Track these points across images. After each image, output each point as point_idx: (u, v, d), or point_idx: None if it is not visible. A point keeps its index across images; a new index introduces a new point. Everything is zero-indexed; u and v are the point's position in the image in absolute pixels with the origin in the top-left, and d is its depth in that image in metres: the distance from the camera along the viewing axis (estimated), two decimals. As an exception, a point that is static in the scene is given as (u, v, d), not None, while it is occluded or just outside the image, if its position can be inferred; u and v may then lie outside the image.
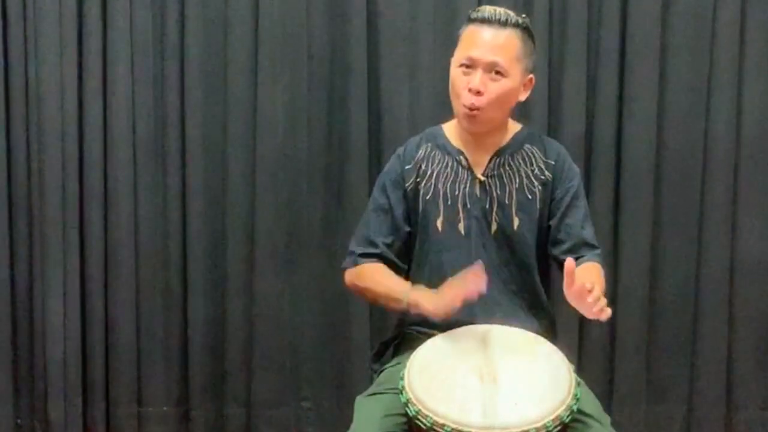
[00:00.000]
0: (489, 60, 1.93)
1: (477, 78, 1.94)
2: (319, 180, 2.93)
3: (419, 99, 2.88)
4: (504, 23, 1.94)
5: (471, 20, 1.98)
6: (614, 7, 2.83)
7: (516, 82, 1.97)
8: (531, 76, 2.03)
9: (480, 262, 1.87)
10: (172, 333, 3.00)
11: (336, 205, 2.93)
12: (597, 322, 1.77)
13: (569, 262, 1.72)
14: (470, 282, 1.80)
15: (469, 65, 1.95)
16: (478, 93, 1.93)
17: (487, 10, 1.96)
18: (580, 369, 1.89)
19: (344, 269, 2.11)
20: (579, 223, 2.04)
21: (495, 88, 1.94)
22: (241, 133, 2.91)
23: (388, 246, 2.06)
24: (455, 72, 1.98)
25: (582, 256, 2.00)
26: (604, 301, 1.72)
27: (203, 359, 2.98)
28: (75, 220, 2.90)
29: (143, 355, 2.99)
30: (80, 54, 2.87)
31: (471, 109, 1.95)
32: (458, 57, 1.98)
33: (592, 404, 1.85)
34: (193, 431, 3.00)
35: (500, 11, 1.96)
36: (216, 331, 2.98)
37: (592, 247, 2.04)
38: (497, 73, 1.94)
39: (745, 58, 2.86)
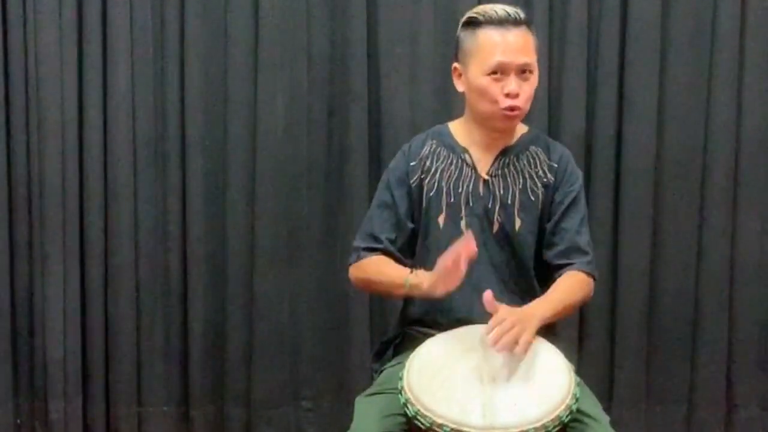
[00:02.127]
0: (521, 62, 1.95)
1: (513, 82, 1.95)
2: (319, 180, 2.93)
3: (419, 99, 2.88)
4: (518, 21, 1.96)
5: (481, 23, 1.97)
6: (614, 7, 2.83)
7: (537, 74, 2.01)
8: None
9: (470, 232, 1.87)
10: (172, 333, 3.00)
11: (336, 205, 2.93)
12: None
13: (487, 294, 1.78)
14: (461, 248, 1.79)
15: (500, 71, 1.95)
16: (516, 96, 1.95)
17: (498, 11, 1.96)
18: (580, 369, 1.88)
19: (349, 265, 2.12)
20: (575, 228, 2.04)
21: (528, 87, 1.98)
22: (241, 133, 2.91)
23: (392, 242, 2.07)
24: (484, 81, 1.96)
25: (572, 263, 2.01)
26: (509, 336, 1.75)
27: (203, 359, 2.98)
28: (75, 220, 2.90)
29: (143, 355, 2.99)
30: (80, 54, 2.87)
31: (512, 110, 1.96)
32: (484, 65, 1.96)
33: (591, 404, 1.85)
34: (193, 431, 3.00)
35: (508, 9, 1.97)
36: (216, 331, 2.98)
37: (584, 253, 2.04)
38: (527, 71, 1.97)
39: (745, 58, 2.85)
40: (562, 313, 1.96)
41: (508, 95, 1.95)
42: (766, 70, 2.86)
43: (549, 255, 2.04)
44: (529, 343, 1.78)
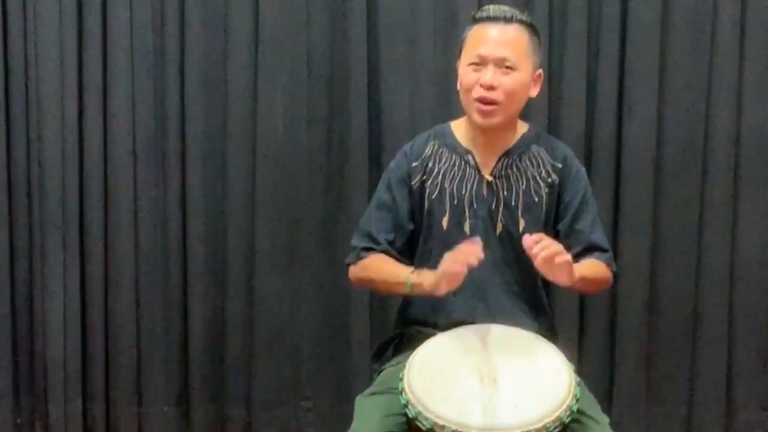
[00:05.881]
0: (499, 55, 1.95)
1: (489, 73, 1.94)
2: (319, 180, 2.93)
3: (419, 99, 2.88)
4: (509, 19, 1.97)
5: (476, 20, 2.00)
6: (614, 8, 2.83)
7: (527, 76, 1.99)
8: (540, 71, 2.04)
9: (478, 238, 1.88)
10: (172, 333, 2.99)
11: (336, 205, 2.93)
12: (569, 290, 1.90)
13: (526, 239, 1.78)
14: (467, 252, 1.81)
15: (479, 63, 1.96)
16: (491, 88, 1.94)
17: (492, 8, 1.99)
18: (580, 369, 1.88)
19: (347, 264, 2.12)
20: (588, 228, 2.05)
21: (508, 81, 1.95)
22: (241, 133, 2.90)
23: (390, 243, 2.07)
24: (465, 70, 1.99)
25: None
26: (549, 249, 1.76)
27: (203, 359, 2.98)
28: (75, 220, 2.90)
29: (143, 355, 2.99)
30: (80, 55, 2.87)
31: (485, 103, 1.95)
32: (467, 57, 1.99)
33: (591, 404, 1.85)
34: (193, 431, 3.01)
35: (504, 8, 1.99)
36: (216, 331, 2.98)
37: (603, 250, 2.05)
38: (508, 67, 1.95)
39: (745, 58, 2.85)
40: (588, 281, 1.95)
41: (482, 86, 1.95)
42: (766, 70, 2.86)
43: None
44: (570, 263, 1.77)
